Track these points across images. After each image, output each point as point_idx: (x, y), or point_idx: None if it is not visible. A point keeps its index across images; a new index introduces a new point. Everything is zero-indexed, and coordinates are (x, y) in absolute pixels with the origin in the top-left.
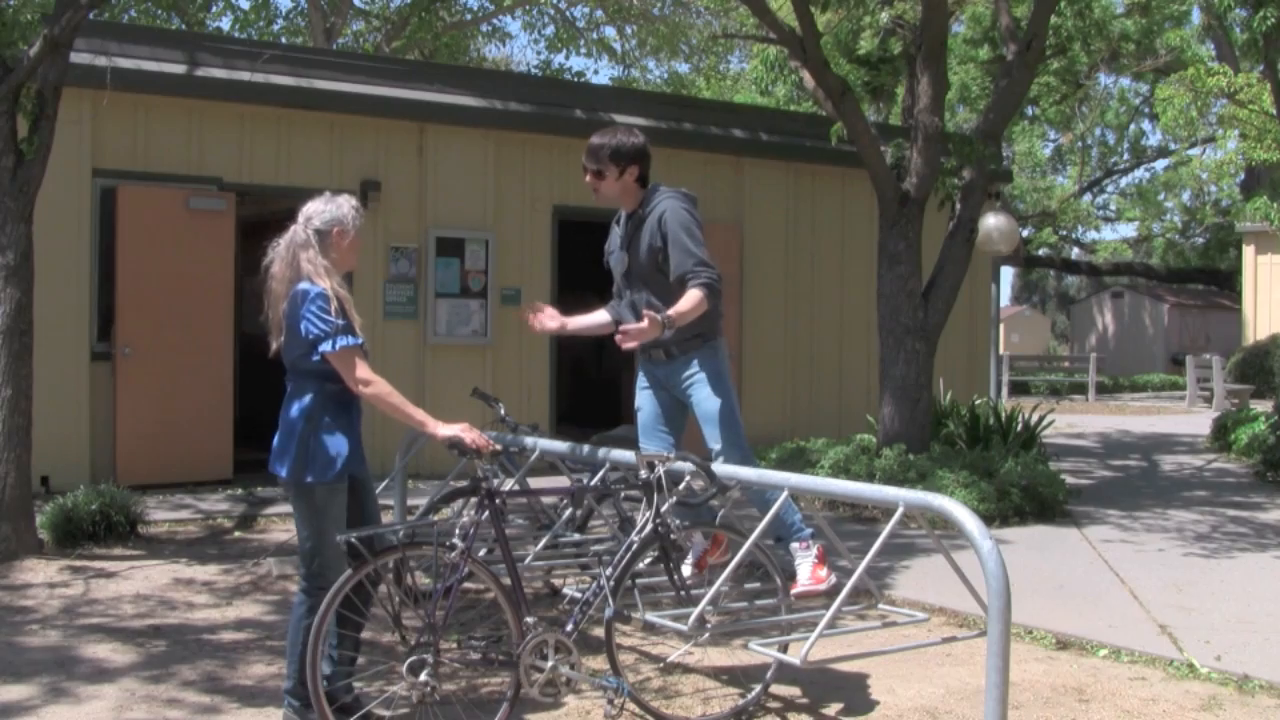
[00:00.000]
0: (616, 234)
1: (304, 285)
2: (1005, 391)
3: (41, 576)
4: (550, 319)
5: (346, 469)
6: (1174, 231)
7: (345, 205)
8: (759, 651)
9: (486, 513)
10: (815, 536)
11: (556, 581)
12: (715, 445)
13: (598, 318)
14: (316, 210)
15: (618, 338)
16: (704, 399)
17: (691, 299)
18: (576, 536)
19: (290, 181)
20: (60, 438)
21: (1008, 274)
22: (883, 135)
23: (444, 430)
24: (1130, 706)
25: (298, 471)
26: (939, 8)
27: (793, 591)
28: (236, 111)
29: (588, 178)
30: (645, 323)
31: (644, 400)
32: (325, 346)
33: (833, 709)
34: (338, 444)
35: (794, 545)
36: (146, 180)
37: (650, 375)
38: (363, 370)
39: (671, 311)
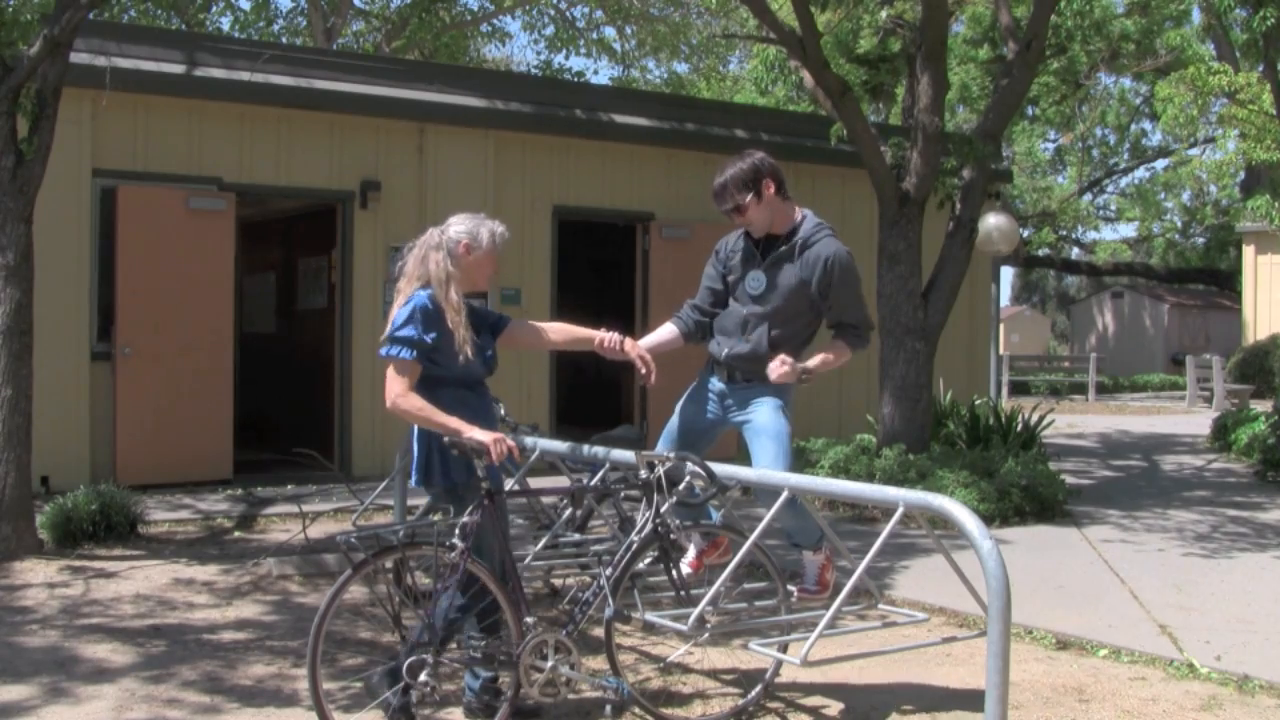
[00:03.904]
0: (738, 246)
1: (422, 293)
2: (1005, 391)
3: (41, 576)
4: (644, 362)
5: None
6: (1174, 231)
7: (486, 225)
8: (759, 651)
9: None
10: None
11: (556, 581)
12: (764, 465)
13: (667, 334)
14: (456, 220)
15: (775, 370)
16: (764, 415)
17: (838, 351)
18: (576, 536)
19: (290, 181)
20: (60, 438)
21: (1008, 274)
22: (883, 135)
23: (474, 435)
24: (1130, 706)
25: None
26: (939, 8)
27: (796, 592)
28: (236, 111)
29: (735, 218)
30: (785, 369)
31: (684, 410)
32: (380, 349)
33: (833, 709)
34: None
35: (805, 552)
36: (146, 180)
37: (706, 388)
38: (394, 385)
39: (813, 364)
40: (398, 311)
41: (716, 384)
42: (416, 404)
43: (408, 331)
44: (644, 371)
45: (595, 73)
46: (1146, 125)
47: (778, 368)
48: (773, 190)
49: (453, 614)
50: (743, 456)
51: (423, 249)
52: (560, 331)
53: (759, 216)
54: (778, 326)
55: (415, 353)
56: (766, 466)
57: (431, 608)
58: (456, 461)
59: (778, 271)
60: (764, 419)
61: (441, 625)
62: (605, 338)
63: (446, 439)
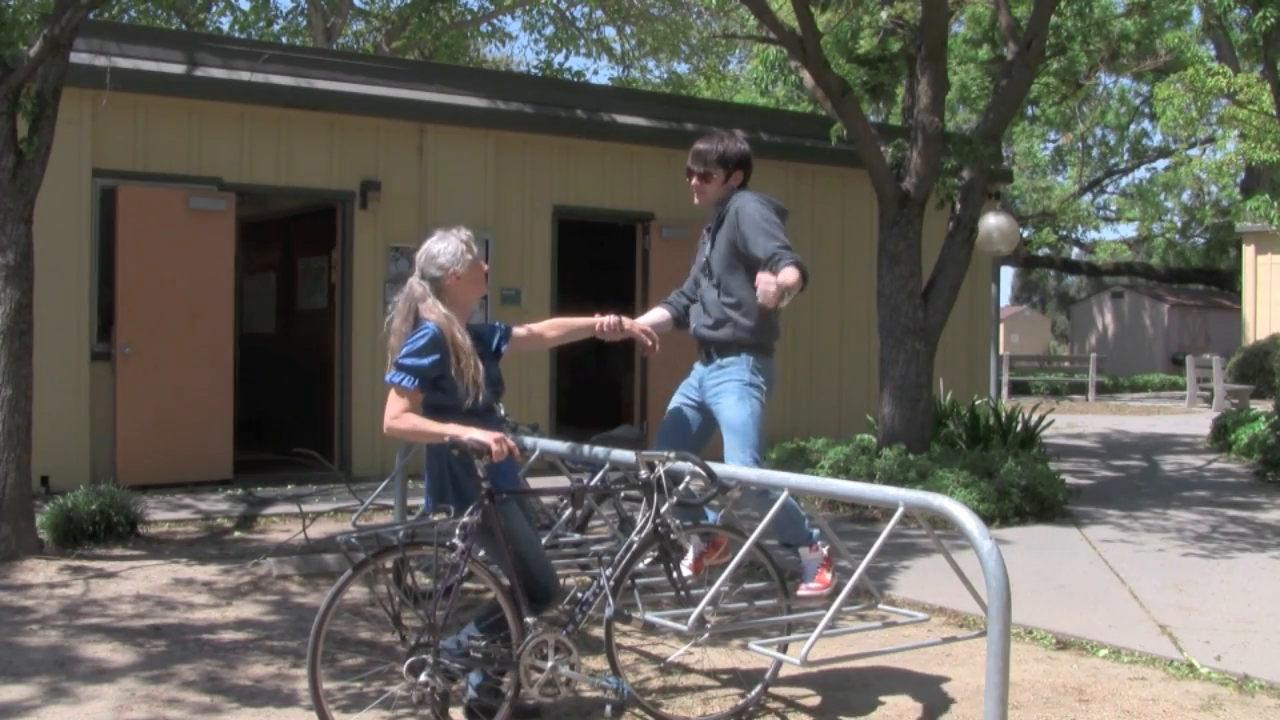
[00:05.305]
0: (705, 234)
1: (431, 324)
2: (1005, 391)
3: (41, 576)
4: (646, 334)
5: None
6: (1174, 231)
7: (453, 241)
8: (759, 651)
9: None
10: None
11: None
12: (731, 460)
13: (658, 316)
14: (428, 258)
15: (764, 293)
16: (728, 407)
17: (790, 274)
18: (576, 536)
19: (290, 181)
20: (60, 438)
21: (1008, 274)
22: (883, 135)
23: (475, 435)
24: (1130, 706)
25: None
26: (939, 8)
27: (797, 593)
28: (236, 111)
29: (693, 180)
30: (785, 277)
31: (675, 407)
32: (386, 376)
33: (833, 709)
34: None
35: (803, 549)
36: (146, 180)
37: (691, 379)
38: (391, 408)
39: (782, 278)
40: (411, 339)
41: (700, 369)
42: (410, 422)
43: (415, 361)
44: (649, 344)
45: (595, 73)
46: (1146, 125)
47: (765, 285)
48: (738, 183)
49: (471, 639)
50: None
51: (407, 304)
52: (558, 327)
53: (712, 195)
54: (726, 289)
55: (418, 382)
56: (734, 460)
57: (431, 607)
58: (469, 480)
59: (717, 243)
60: (727, 410)
61: (461, 651)
62: (603, 322)
63: (447, 440)
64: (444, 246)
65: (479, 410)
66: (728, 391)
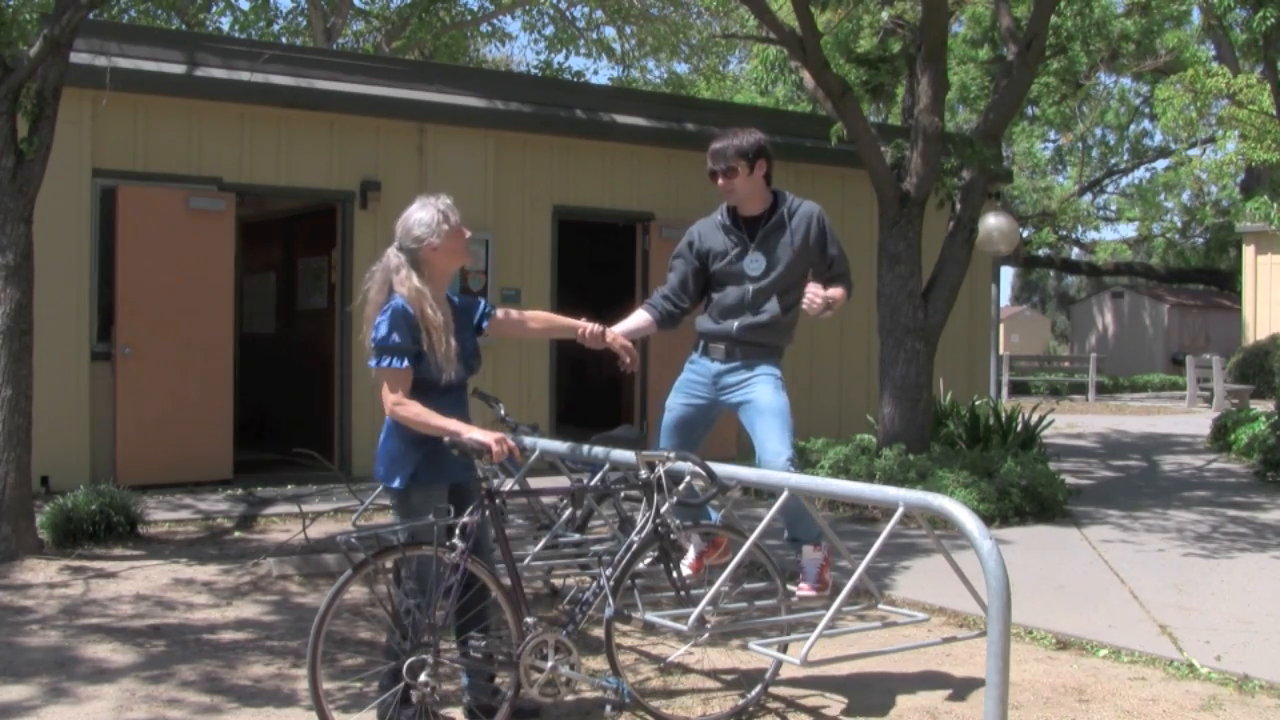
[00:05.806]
0: (723, 234)
1: (397, 299)
2: (1005, 391)
3: (41, 576)
4: (625, 350)
5: (430, 475)
6: (1174, 232)
7: (430, 211)
8: (759, 651)
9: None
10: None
11: (556, 581)
12: (771, 441)
13: (640, 320)
14: (404, 229)
15: (811, 303)
16: (766, 395)
17: (840, 293)
18: (576, 536)
19: (290, 181)
20: (60, 438)
21: (1008, 274)
22: (883, 135)
23: (475, 435)
24: (1130, 706)
25: (384, 475)
26: (939, 8)
27: (797, 592)
28: (236, 111)
29: (719, 180)
30: (836, 292)
31: (676, 403)
32: (369, 361)
33: (833, 709)
34: (415, 450)
35: (806, 547)
36: (146, 180)
37: (696, 378)
38: (390, 394)
39: (833, 293)
40: (376, 321)
41: (711, 366)
42: (414, 410)
43: (394, 340)
44: (627, 360)
45: (595, 73)
46: (1147, 125)
47: (814, 296)
48: (763, 172)
49: (409, 604)
50: (743, 456)
51: (383, 275)
52: (542, 320)
53: (742, 188)
54: (784, 295)
55: (406, 360)
56: (775, 444)
57: (431, 608)
58: (391, 468)
59: (772, 246)
60: (765, 397)
61: (404, 622)
62: (587, 328)
63: (447, 440)
64: (421, 216)
65: (453, 387)
66: (762, 383)
